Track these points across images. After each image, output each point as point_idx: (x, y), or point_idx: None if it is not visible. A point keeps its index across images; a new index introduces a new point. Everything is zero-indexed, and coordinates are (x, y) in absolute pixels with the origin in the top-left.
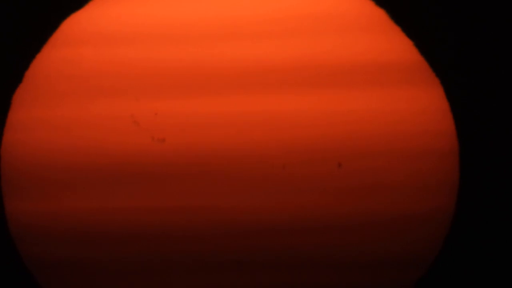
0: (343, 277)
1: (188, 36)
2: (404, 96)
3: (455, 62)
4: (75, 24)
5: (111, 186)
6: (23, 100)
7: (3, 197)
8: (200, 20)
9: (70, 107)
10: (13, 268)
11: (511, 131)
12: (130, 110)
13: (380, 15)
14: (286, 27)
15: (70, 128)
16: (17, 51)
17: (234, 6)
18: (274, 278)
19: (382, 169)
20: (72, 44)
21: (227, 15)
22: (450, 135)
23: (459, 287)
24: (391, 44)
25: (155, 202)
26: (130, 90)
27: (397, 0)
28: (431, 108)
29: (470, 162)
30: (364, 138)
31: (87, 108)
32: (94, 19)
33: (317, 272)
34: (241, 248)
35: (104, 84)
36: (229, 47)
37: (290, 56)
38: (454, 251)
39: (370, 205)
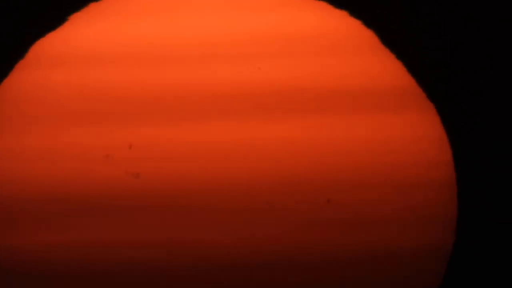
0: None
1: (167, 57)
2: (396, 123)
3: (450, 86)
4: (47, 46)
5: (81, 220)
6: None
7: None
8: (180, 41)
9: (38, 135)
10: None
11: None
12: (103, 143)
13: (369, 36)
14: (270, 49)
15: (37, 158)
16: None
17: (214, 27)
18: None
19: (373, 202)
20: (43, 67)
21: (207, 36)
22: (446, 165)
23: None
24: (381, 67)
25: (129, 236)
26: (103, 117)
27: (386, 21)
28: (426, 135)
29: (469, 193)
30: (354, 169)
31: (56, 137)
32: (67, 41)
33: None
34: (222, 285)
35: (76, 110)
36: (208, 70)
37: (275, 79)
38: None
39: (360, 240)
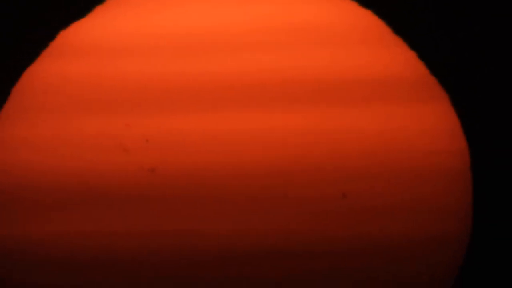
0: None
1: (186, 48)
2: (409, 113)
3: (465, 76)
4: (71, 36)
5: (97, 210)
6: (7, 117)
7: None
8: (193, 31)
9: (55, 125)
10: None
11: None
12: (120, 134)
13: (379, 26)
14: (279, 39)
15: (54, 148)
16: (8, 64)
17: (223, 17)
18: None
19: (386, 192)
20: (65, 57)
21: (216, 26)
22: (461, 154)
23: None
24: (392, 57)
25: (145, 226)
26: (121, 108)
27: (398, 11)
28: (440, 125)
29: (485, 183)
30: (366, 159)
31: (72, 127)
32: (91, 31)
33: None
34: (236, 275)
35: (93, 101)
36: (218, 60)
37: (286, 69)
38: (470, 280)
39: (374, 230)
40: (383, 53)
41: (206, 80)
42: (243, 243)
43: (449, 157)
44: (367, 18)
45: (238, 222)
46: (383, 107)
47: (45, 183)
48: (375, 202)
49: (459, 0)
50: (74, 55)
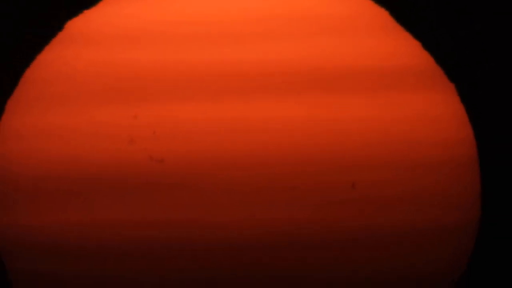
0: None
1: (195, 36)
2: (416, 102)
3: (470, 64)
4: (81, 24)
5: (107, 198)
6: (17, 106)
7: None
8: (199, 20)
9: (64, 113)
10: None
11: None
12: (128, 123)
13: (381, 15)
14: (285, 28)
15: (63, 137)
16: (18, 53)
17: (229, 6)
18: None
19: (392, 182)
20: (75, 45)
21: (223, 15)
22: (467, 144)
23: None
24: (395, 46)
25: (154, 215)
26: (129, 96)
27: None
28: (445, 115)
29: (493, 171)
30: (373, 148)
31: (80, 116)
32: (101, 19)
33: None
34: (245, 265)
35: (101, 89)
36: (224, 49)
37: (294, 59)
38: (481, 268)
39: (381, 220)
40: (388, 42)
41: (212, 69)
42: (252, 233)
43: (456, 146)
44: (370, 7)
45: (247, 212)
46: (389, 97)
47: (54, 172)
48: (382, 192)
49: None
50: (84, 43)
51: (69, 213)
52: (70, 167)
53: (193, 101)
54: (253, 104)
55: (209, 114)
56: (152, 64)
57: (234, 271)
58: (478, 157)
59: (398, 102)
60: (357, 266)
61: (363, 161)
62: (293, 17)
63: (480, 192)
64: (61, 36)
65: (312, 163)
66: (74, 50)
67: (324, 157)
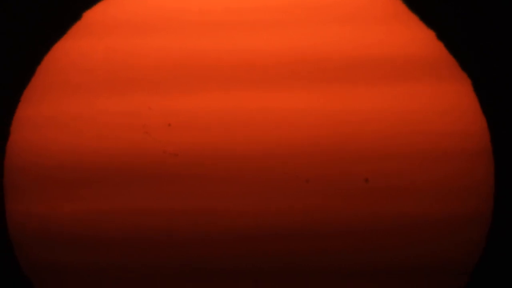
0: (370, 285)
1: (210, 24)
2: (430, 93)
3: (485, 55)
4: (98, 14)
5: (120, 188)
6: (33, 95)
7: (4, 198)
8: (213, 8)
9: (81, 103)
10: (9, 273)
11: None
12: (143, 116)
13: (396, 3)
14: (294, 17)
15: (78, 126)
16: (36, 43)
17: None
18: (294, 286)
19: (406, 172)
20: (91, 34)
21: (238, 2)
22: (481, 134)
23: None
24: (408, 36)
25: (163, 204)
26: (144, 86)
27: None
28: (459, 105)
29: (506, 162)
30: (387, 139)
31: (94, 105)
32: (118, 9)
33: (342, 279)
34: (260, 254)
35: (117, 79)
36: (230, 38)
37: (306, 46)
38: (494, 259)
39: (395, 210)
40: (401, 31)
41: (226, 59)
42: (266, 223)
43: (470, 137)
44: None
45: (260, 202)
46: (402, 87)
47: (68, 162)
48: (396, 182)
49: None
50: (100, 34)
51: (82, 202)
52: (83, 156)
53: (206, 91)
54: (267, 94)
55: (222, 104)
56: (166, 53)
57: (248, 260)
58: (492, 148)
59: (411, 93)
60: (370, 256)
61: (377, 151)
62: (306, 6)
63: (493, 183)
64: (78, 26)
65: (326, 153)
66: (90, 41)
67: (337, 147)
